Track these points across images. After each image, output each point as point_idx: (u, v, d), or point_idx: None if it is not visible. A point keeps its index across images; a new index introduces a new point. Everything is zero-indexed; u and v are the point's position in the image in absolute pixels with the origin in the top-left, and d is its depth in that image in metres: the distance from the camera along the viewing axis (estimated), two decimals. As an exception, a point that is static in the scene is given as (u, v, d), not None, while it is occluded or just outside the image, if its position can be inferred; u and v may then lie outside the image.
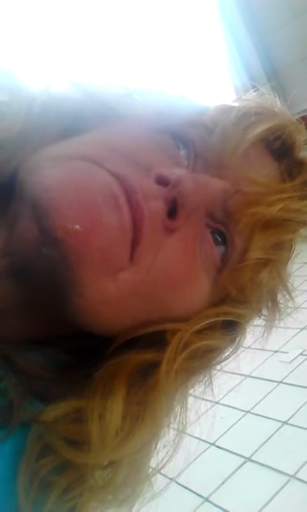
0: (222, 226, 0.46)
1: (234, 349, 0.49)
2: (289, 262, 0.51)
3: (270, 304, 0.50)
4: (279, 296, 0.50)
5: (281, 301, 0.51)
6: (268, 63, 3.71)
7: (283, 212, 0.46)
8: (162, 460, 0.45)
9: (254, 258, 0.45)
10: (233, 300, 0.46)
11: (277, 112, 0.52)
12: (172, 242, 0.41)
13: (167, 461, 0.45)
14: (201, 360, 0.45)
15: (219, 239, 0.46)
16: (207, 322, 0.44)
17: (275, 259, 0.47)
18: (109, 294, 0.38)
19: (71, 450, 0.39)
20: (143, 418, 0.41)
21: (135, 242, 0.38)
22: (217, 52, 3.79)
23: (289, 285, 0.50)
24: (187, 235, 0.42)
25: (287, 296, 0.51)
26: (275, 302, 0.50)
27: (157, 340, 0.43)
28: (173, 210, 0.40)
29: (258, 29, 3.69)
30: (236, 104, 0.51)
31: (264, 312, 0.51)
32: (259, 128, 0.47)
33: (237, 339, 0.49)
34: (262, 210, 0.45)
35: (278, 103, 0.54)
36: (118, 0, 3.37)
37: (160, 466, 0.45)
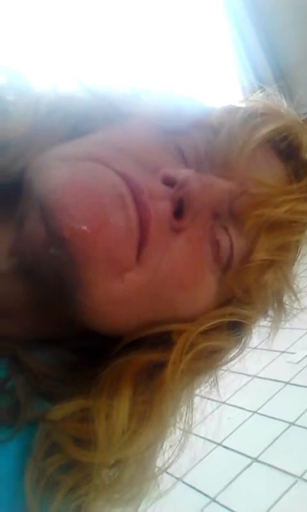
0: (227, 226, 0.46)
1: (240, 349, 0.49)
2: (295, 263, 0.51)
3: (275, 306, 0.50)
4: (285, 297, 0.50)
5: (286, 302, 0.50)
6: (276, 63, 3.70)
7: (289, 214, 0.45)
8: (168, 460, 0.45)
9: (259, 260, 0.45)
10: (238, 301, 0.46)
11: (284, 113, 0.51)
12: (178, 242, 0.41)
13: (173, 460, 0.45)
14: (207, 360, 0.45)
15: (224, 240, 0.46)
16: (213, 323, 0.44)
17: (281, 260, 0.47)
18: (115, 295, 0.38)
19: (78, 449, 0.39)
20: (149, 418, 0.42)
21: (142, 243, 0.38)
22: (224, 52, 3.78)
23: (294, 286, 0.50)
24: (193, 235, 0.42)
25: (293, 297, 0.50)
26: (281, 303, 0.50)
27: (162, 340, 0.43)
28: (179, 211, 0.40)
29: (265, 28, 3.68)
30: (242, 105, 0.51)
31: (270, 312, 0.51)
32: (266, 129, 0.47)
33: (243, 340, 0.49)
34: (268, 211, 0.45)
35: (284, 104, 0.54)
36: (125, 0, 3.38)
37: (166, 466, 0.45)
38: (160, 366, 0.42)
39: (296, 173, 0.50)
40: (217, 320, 0.45)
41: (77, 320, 0.40)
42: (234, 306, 0.46)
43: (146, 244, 0.38)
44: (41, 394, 0.43)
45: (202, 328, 0.44)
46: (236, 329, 0.47)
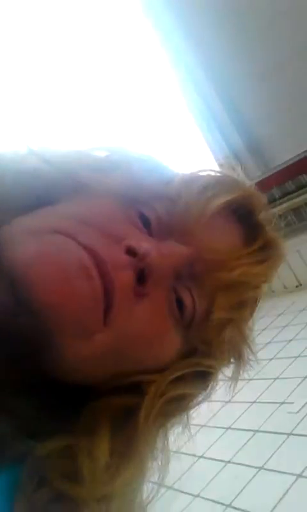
0: (188, 287, 0.49)
1: (208, 393, 0.53)
2: (253, 317, 0.56)
3: (236, 357, 0.55)
4: (244, 350, 0.55)
5: (246, 354, 0.55)
6: (240, 121, 3.81)
7: (242, 276, 0.50)
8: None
9: (217, 319, 0.50)
10: (202, 352, 0.51)
11: (237, 183, 0.56)
12: (143, 305, 0.45)
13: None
14: (177, 405, 0.50)
15: (188, 300, 0.49)
16: (179, 373, 0.49)
17: (238, 318, 0.52)
18: (85, 354, 0.42)
19: (66, 483, 0.42)
20: (129, 456, 0.45)
21: (107, 309, 0.42)
22: (191, 122, 3.95)
23: (251, 340, 0.55)
24: (156, 297, 0.46)
25: (249, 351, 0.55)
26: (240, 355, 0.55)
27: (136, 385, 0.47)
28: (142, 277, 0.44)
29: (227, 93, 3.81)
30: (201, 174, 0.55)
31: (232, 363, 0.55)
32: (220, 200, 0.51)
33: (210, 385, 0.53)
34: (223, 275, 0.50)
35: (240, 173, 0.58)
36: (93, 75, 3.52)
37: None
38: (134, 409, 0.46)
39: (249, 236, 0.54)
40: (183, 371, 0.49)
41: (50, 375, 0.43)
42: (198, 357, 0.51)
43: (112, 310, 0.42)
44: (26, 434, 0.45)
45: (169, 378, 0.48)
46: (202, 377, 0.52)
